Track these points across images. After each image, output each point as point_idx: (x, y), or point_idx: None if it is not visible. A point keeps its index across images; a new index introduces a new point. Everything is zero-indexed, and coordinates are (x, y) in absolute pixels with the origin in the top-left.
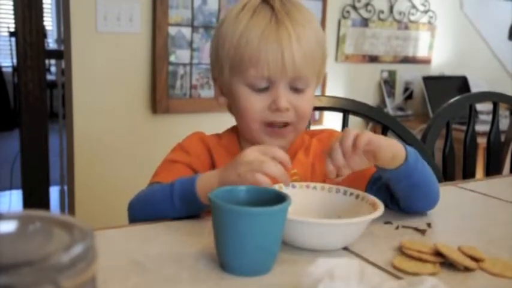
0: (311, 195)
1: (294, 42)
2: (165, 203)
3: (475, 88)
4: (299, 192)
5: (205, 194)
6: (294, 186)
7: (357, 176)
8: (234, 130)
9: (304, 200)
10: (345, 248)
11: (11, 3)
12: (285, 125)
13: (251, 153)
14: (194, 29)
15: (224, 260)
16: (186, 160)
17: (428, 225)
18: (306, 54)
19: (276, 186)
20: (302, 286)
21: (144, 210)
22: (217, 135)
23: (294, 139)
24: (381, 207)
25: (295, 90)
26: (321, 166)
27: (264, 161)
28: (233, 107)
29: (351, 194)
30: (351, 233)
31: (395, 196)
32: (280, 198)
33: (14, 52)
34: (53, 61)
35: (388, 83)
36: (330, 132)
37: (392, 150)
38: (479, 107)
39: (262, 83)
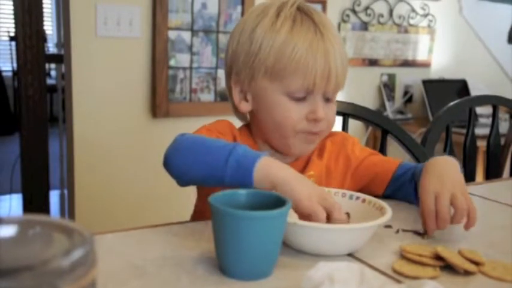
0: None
1: (337, 56)
2: (219, 156)
3: (474, 91)
4: None
5: (259, 182)
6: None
7: (379, 172)
8: (247, 131)
9: None
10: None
11: (11, 7)
12: (316, 133)
13: (327, 193)
14: (194, 33)
15: (224, 263)
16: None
17: (425, 232)
18: (344, 67)
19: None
20: None
21: (193, 155)
22: (236, 129)
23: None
24: (388, 213)
25: (327, 99)
26: (338, 172)
27: (337, 203)
28: (263, 115)
29: (357, 198)
30: (356, 238)
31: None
32: (280, 203)
33: (14, 56)
34: (53, 65)
35: (388, 86)
36: (344, 136)
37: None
38: (479, 110)
39: (302, 92)
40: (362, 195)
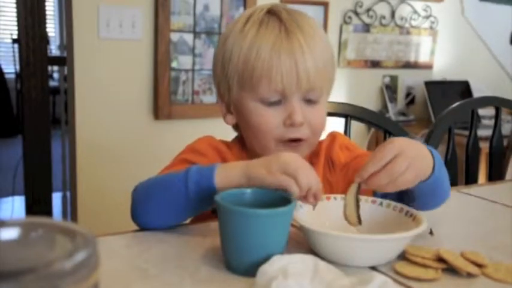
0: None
1: (306, 53)
2: (178, 186)
3: (477, 93)
4: (339, 204)
5: (223, 183)
6: (335, 198)
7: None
8: (240, 143)
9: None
10: None
11: (14, 10)
12: (299, 140)
13: (289, 156)
14: (196, 35)
15: (230, 260)
16: (201, 162)
17: (431, 230)
18: (318, 64)
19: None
20: (257, 284)
21: (152, 192)
22: (226, 144)
23: (306, 153)
24: (422, 224)
25: (309, 101)
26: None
27: (300, 167)
28: (243, 125)
29: (395, 207)
30: (378, 250)
31: (408, 196)
32: (285, 201)
33: (17, 59)
34: (55, 67)
35: (390, 88)
36: (333, 137)
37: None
38: (482, 111)
39: (274, 96)
40: (399, 205)
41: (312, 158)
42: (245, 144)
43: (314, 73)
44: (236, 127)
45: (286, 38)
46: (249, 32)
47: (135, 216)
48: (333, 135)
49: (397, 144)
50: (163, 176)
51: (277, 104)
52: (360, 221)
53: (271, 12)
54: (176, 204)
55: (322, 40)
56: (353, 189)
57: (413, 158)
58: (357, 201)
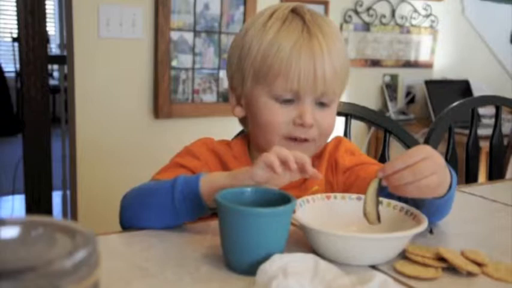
0: (350, 206)
1: (326, 57)
2: (165, 194)
3: (477, 92)
4: (339, 203)
5: (209, 195)
6: (335, 197)
7: (360, 186)
8: (243, 139)
9: (343, 211)
10: None
11: (14, 9)
12: (305, 140)
13: (261, 172)
14: (196, 33)
15: (230, 259)
16: (195, 165)
17: (431, 229)
18: (335, 69)
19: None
20: (257, 283)
21: (139, 202)
22: (227, 144)
23: (312, 154)
24: (419, 226)
25: (321, 104)
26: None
27: (289, 155)
28: (252, 119)
29: (395, 206)
30: (378, 249)
31: (416, 207)
32: (285, 199)
33: (17, 57)
34: (55, 66)
35: (390, 87)
36: (339, 140)
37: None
38: (482, 110)
39: (288, 95)
40: (400, 204)
41: (315, 160)
42: (249, 141)
43: (330, 77)
44: (243, 120)
45: (308, 39)
46: (271, 28)
47: (123, 221)
48: (338, 139)
49: (428, 149)
50: (152, 184)
51: (289, 103)
52: (379, 220)
53: (295, 11)
54: (163, 212)
55: (341, 46)
56: (374, 185)
57: (440, 166)
58: (377, 198)
